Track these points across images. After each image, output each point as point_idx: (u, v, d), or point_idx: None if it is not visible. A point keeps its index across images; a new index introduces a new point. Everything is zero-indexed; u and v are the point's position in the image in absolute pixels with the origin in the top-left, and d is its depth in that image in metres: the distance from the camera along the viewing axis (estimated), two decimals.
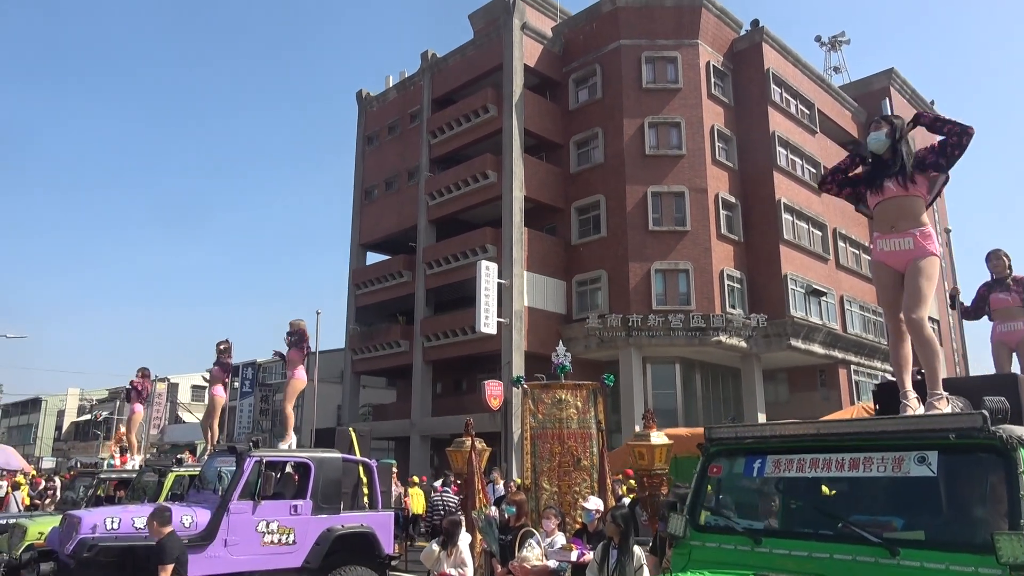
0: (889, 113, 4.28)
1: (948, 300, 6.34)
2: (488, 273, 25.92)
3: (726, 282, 27.18)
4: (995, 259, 6.66)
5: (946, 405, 3.88)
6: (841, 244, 32.11)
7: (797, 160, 30.55)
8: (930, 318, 4.20)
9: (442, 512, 12.71)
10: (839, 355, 29.44)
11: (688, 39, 28.78)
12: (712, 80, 29.09)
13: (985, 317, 6.64)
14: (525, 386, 9.49)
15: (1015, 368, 6.29)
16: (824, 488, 3.42)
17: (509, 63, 28.77)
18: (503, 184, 27.93)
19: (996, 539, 2.57)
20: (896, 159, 4.02)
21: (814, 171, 31.28)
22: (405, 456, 28.77)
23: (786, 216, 28.66)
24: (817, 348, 28.25)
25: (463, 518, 8.04)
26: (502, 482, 15.09)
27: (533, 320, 26.93)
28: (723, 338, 25.83)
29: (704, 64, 28.83)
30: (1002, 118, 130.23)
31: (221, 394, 13.05)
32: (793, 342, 27.00)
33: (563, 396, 9.55)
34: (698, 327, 25.54)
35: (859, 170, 4.43)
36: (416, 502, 16.48)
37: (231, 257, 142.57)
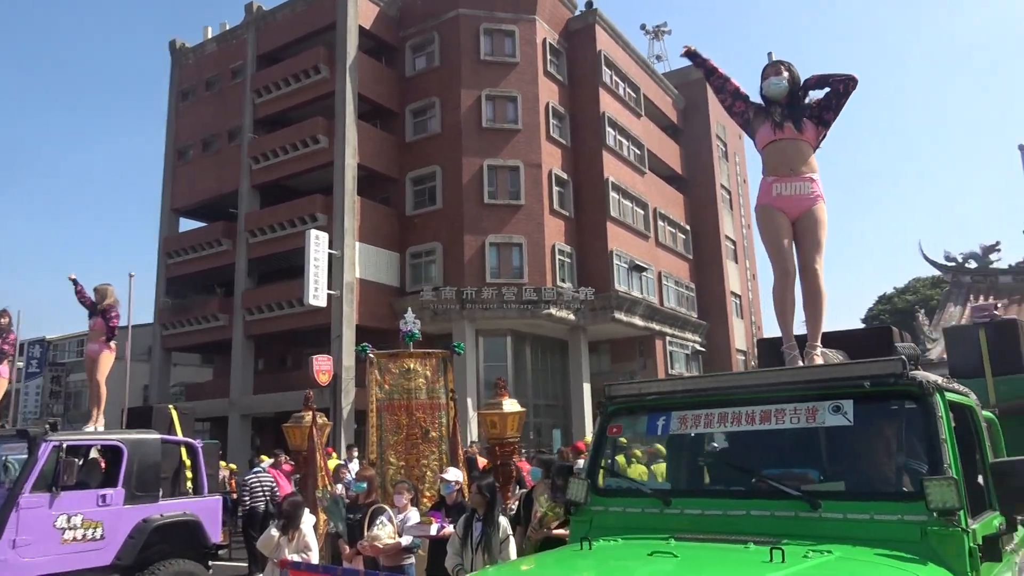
0: (779, 59, 4.22)
1: None
2: (318, 243, 24.60)
3: (557, 256, 27.81)
4: None
5: (820, 359, 3.91)
6: (660, 223, 34.01)
7: (624, 141, 31.80)
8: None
9: (260, 496, 11.69)
10: (656, 327, 31.26)
11: (526, 14, 28.85)
12: (548, 57, 29.42)
13: None
14: (372, 355, 8.93)
15: None
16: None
17: (343, 22, 27.30)
18: (335, 150, 26.56)
19: (926, 485, 2.51)
20: (794, 104, 4.03)
21: (639, 152, 32.80)
22: (224, 437, 26.84)
23: (613, 194, 29.77)
24: (637, 320, 29.79)
25: (303, 499, 7.39)
26: (356, 459, 14.17)
27: (365, 292, 26.02)
28: (553, 311, 26.46)
29: (541, 40, 29.07)
30: None
31: (4, 374, 11.20)
32: (617, 315, 28.25)
33: (412, 365, 9.11)
34: (530, 300, 25.95)
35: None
36: None
37: (16, 218, 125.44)
